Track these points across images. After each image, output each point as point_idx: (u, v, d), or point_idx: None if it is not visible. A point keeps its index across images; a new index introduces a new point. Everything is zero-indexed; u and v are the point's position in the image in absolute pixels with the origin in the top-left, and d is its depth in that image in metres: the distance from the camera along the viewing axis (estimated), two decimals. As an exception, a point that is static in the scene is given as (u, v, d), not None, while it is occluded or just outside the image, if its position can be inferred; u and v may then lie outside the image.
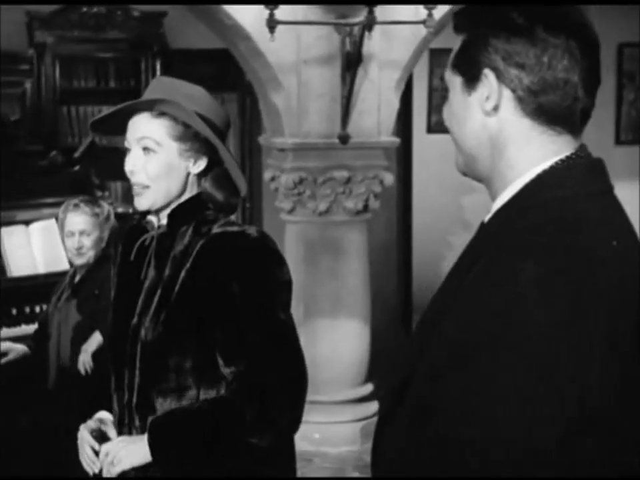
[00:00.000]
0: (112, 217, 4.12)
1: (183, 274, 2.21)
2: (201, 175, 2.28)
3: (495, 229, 1.39)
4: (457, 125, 1.46)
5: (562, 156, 1.37)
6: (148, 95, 2.27)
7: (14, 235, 5.28)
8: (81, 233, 3.99)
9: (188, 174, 2.26)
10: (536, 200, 1.35)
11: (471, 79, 1.41)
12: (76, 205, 4.04)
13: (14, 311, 5.13)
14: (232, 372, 2.18)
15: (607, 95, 7.52)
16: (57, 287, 4.19)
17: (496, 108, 1.39)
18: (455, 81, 1.45)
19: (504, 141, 1.40)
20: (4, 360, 4.14)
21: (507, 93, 1.38)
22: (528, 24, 1.36)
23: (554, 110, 1.37)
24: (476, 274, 1.31)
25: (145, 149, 2.22)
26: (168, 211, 2.28)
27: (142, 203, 2.25)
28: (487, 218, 1.44)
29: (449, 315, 1.32)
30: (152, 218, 2.33)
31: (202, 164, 2.26)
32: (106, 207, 4.13)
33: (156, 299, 2.24)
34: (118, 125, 2.27)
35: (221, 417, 2.17)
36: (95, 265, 4.00)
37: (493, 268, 1.29)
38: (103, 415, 2.39)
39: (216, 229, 2.24)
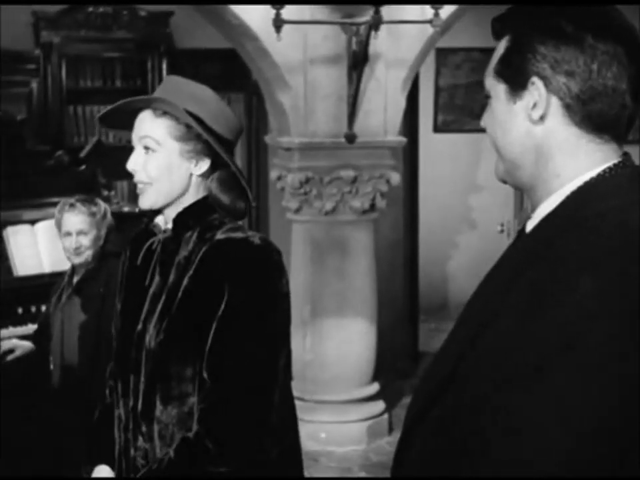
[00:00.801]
0: (109, 214, 4.07)
1: (185, 281, 2.19)
2: (206, 177, 2.25)
3: (543, 237, 1.34)
4: (500, 132, 1.43)
5: (609, 164, 1.35)
6: (156, 93, 2.26)
7: (20, 235, 5.28)
8: (79, 232, 3.95)
9: (191, 175, 2.23)
10: (589, 210, 1.31)
11: (517, 87, 1.38)
12: (72, 205, 3.99)
13: (20, 310, 5.13)
14: (207, 379, 2.14)
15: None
16: (55, 287, 4.16)
17: (543, 116, 1.36)
18: (498, 88, 1.42)
19: (550, 149, 1.37)
20: (11, 357, 4.14)
21: (554, 101, 1.35)
22: (577, 31, 1.33)
23: (602, 118, 1.35)
24: (529, 285, 1.27)
25: (146, 147, 2.21)
26: (174, 214, 2.26)
27: (143, 201, 2.24)
28: (529, 226, 1.41)
29: (495, 326, 1.29)
30: (159, 221, 2.32)
31: (204, 165, 2.23)
32: (102, 205, 4.08)
33: (159, 305, 2.22)
34: (126, 120, 2.26)
35: (194, 457, 2.13)
36: (95, 264, 3.98)
37: (550, 280, 1.25)
38: (103, 473, 2.33)
39: (219, 235, 2.21)
